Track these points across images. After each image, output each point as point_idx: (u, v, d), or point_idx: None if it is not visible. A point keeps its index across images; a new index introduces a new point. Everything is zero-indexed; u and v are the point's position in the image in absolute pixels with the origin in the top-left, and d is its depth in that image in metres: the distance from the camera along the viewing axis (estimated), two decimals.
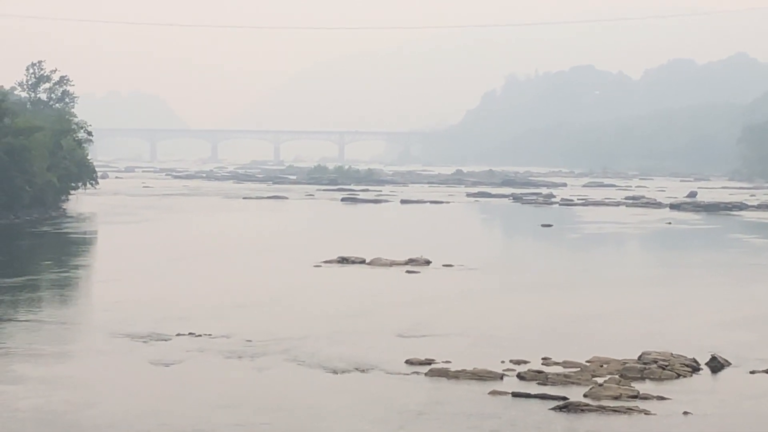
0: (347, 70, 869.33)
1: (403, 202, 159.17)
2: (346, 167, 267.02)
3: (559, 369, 39.84)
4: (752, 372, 40.46)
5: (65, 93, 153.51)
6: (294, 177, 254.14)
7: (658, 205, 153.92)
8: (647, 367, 39.74)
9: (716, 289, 66.95)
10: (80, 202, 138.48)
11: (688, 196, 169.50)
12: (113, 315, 51.41)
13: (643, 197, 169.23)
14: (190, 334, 46.11)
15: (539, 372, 38.90)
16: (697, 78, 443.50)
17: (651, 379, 38.80)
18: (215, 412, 33.81)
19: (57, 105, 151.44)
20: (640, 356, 41.36)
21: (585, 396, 35.59)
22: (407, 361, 40.93)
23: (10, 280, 63.46)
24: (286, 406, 34.71)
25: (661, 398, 35.74)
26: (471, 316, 53.10)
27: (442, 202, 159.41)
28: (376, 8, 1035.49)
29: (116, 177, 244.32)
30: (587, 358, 41.27)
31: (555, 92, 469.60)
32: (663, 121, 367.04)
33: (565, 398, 35.11)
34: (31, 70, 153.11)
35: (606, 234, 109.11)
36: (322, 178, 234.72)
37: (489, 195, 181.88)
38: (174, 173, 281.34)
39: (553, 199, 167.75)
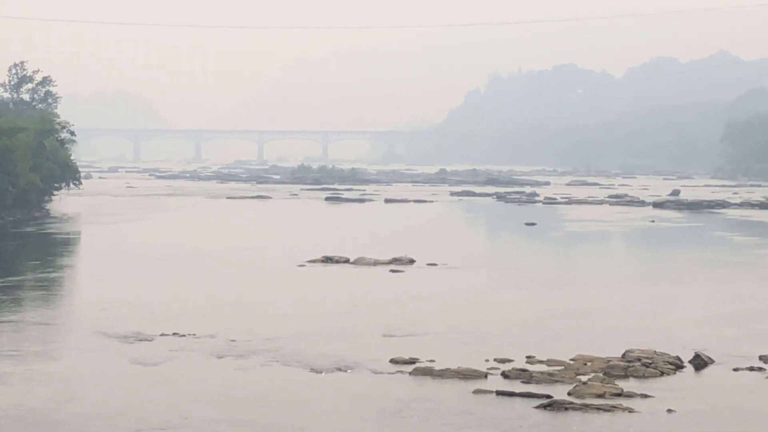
0: (330, 69, 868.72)
1: (386, 201, 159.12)
2: (330, 167, 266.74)
3: (543, 367, 39.91)
4: (736, 369, 40.57)
5: (48, 93, 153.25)
6: (278, 177, 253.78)
7: (642, 203, 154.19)
8: (631, 364, 39.84)
9: (699, 286, 67.14)
10: (64, 202, 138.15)
11: (671, 195, 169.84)
12: (97, 315, 51.32)
13: (627, 195, 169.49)
14: (174, 334, 46.07)
15: (523, 370, 38.97)
16: (679, 76, 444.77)
17: (635, 377, 38.89)
18: (196, 408, 33.84)
19: (40, 105, 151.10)
20: (623, 354, 41.46)
21: (569, 394, 35.64)
22: (391, 360, 40.95)
23: None
24: (268, 404, 34.75)
25: (645, 396, 35.81)
26: (455, 314, 53.14)
27: (425, 201, 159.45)
28: (359, 8, 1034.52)
29: (100, 177, 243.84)
30: (571, 356, 41.36)
31: (538, 91, 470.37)
32: (646, 119, 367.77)
33: (549, 396, 35.16)
34: (13, 71, 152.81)
35: (589, 232, 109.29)
36: (306, 177, 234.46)
37: (473, 194, 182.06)
38: (158, 173, 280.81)
39: (536, 198, 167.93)
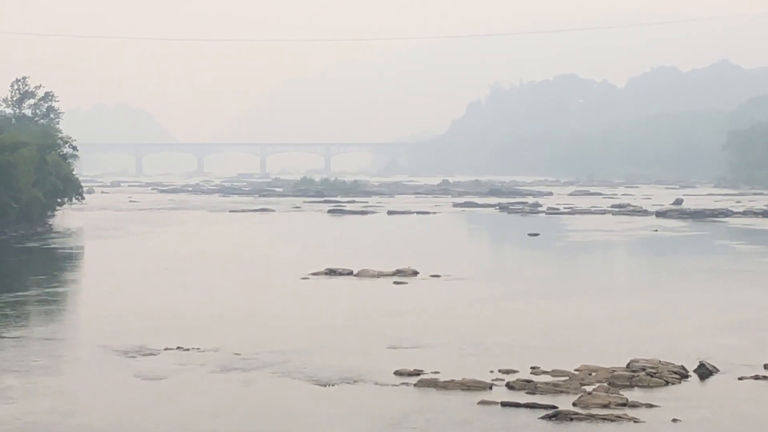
0: (332, 81, 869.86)
1: (389, 213, 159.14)
2: (333, 179, 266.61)
3: (548, 378, 39.89)
4: (740, 378, 40.54)
5: (50, 109, 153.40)
6: (280, 189, 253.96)
7: (644, 212, 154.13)
8: (636, 374, 39.80)
9: (703, 295, 67.06)
10: (66, 217, 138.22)
11: (674, 204, 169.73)
12: (101, 330, 51.34)
13: (629, 205, 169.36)
14: (178, 348, 46.05)
15: (528, 381, 38.95)
16: (681, 85, 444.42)
17: (640, 386, 38.86)
18: (200, 421, 33.86)
19: (42, 121, 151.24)
20: (628, 364, 41.43)
21: (574, 404, 35.63)
22: (396, 372, 40.93)
23: None
24: (272, 416, 34.75)
25: (650, 406, 35.79)
26: (459, 326, 53.12)
27: (428, 213, 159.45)
28: (360, 19, 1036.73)
29: (102, 192, 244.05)
30: (576, 367, 41.33)
31: (540, 101, 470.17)
32: (648, 128, 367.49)
33: (554, 407, 35.15)
34: (15, 86, 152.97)
35: (593, 242, 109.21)
36: (309, 190, 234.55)
37: (475, 205, 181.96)
38: (160, 187, 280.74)
39: (539, 208, 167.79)
